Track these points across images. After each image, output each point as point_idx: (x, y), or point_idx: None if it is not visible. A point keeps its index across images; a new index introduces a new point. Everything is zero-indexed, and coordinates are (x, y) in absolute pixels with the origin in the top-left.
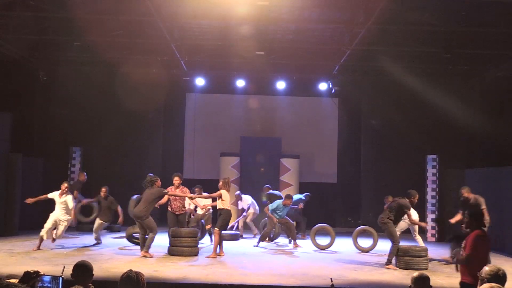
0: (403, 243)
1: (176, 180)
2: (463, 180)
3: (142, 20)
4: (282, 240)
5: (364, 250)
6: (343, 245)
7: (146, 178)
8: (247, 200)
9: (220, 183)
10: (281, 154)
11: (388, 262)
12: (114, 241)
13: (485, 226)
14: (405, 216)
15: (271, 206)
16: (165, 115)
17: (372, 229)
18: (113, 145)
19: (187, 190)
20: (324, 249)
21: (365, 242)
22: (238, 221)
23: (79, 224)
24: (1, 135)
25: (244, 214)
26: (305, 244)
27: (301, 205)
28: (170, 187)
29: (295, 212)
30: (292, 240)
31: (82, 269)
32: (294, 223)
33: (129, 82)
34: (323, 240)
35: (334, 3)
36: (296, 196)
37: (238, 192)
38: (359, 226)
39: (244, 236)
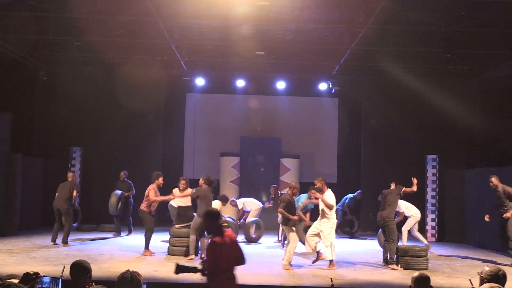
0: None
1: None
2: (463, 180)
3: (142, 20)
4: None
5: None
6: (343, 245)
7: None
8: (244, 203)
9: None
10: (281, 154)
11: (392, 261)
12: (115, 241)
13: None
14: (411, 212)
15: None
16: (165, 115)
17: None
18: (113, 145)
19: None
20: None
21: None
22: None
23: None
24: (1, 135)
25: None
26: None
27: (267, 204)
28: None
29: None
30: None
31: (79, 269)
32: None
33: (129, 82)
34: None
35: (334, 3)
36: (348, 196)
37: (232, 199)
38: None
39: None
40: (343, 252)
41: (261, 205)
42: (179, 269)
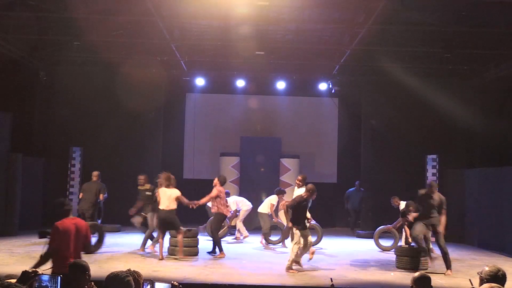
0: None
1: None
2: (463, 180)
3: (142, 20)
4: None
5: (385, 249)
6: (343, 245)
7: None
8: (237, 202)
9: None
10: (281, 154)
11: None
12: (115, 241)
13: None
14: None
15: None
16: (165, 115)
17: (393, 228)
18: (113, 145)
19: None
20: (388, 250)
21: (386, 242)
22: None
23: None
24: (1, 135)
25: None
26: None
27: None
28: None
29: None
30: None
31: (77, 268)
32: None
33: (129, 82)
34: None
35: (334, 3)
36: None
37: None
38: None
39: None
40: (343, 252)
41: (251, 206)
42: (42, 234)
